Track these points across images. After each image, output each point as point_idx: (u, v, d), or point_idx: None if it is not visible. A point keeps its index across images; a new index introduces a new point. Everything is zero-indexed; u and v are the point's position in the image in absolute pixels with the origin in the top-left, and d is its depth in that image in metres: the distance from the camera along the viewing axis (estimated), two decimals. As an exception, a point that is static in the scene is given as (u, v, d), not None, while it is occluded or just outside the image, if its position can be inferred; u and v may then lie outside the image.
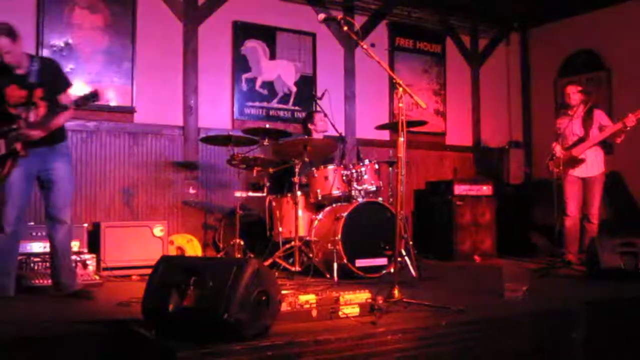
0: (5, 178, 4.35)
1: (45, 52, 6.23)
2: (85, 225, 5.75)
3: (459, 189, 7.38)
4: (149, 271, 3.21)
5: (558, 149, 6.31)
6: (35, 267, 5.11)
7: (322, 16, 4.37)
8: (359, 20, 8.06)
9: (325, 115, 6.53)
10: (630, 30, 8.13)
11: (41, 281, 4.87)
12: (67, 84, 4.60)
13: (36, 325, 3.43)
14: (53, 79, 4.50)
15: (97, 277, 5.24)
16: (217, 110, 7.19)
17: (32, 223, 5.43)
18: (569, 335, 3.76)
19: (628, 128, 6.10)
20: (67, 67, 6.32)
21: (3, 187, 4.40)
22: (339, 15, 4.27)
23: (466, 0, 8.44)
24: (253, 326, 2.81)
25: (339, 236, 5.30)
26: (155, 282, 3.12)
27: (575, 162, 6.37)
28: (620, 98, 8.14)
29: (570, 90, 6.45)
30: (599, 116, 6.44)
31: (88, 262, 5.28)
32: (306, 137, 6.27)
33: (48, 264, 5.02)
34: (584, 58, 8.74)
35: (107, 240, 5.76)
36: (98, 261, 5.52)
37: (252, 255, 5.90)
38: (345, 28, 4.18)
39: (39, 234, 5.30)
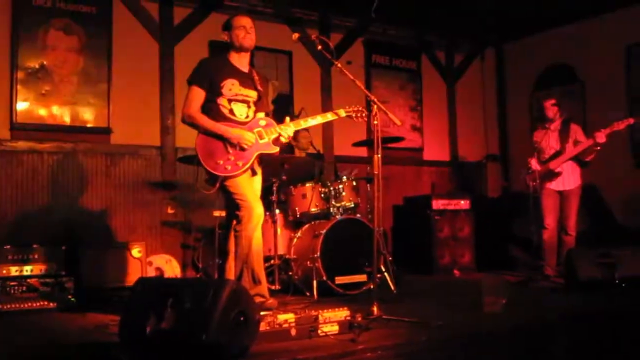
0: None
1: (20, 75, 6.19)
2: (63, 247, 5.67)
3: (437, 204, 7.40)
4: (127, 293, 3.18)
5: (534, 163, 6.38)
6: (11, 292, 5.03)
7: (296, 36, 4.36)
8: (335, 38, 8.12)
9: (307, 131, 6.53)
10: (601, 43, 8.26)
11: (16, 305, 4.81)
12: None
13: (11, 350, 3.39)
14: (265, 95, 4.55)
15: (75, 300, 5.17)
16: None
17: (8, 246, 5.35)
18: (548, 348, 3.78)
19: (599, 146, 6.14)
20: (43, 89, 6.30)
21: None
22: (314, 34, 4.29)
23: (441, 17, 8.52)
24: (232, 347, 2.80)
25: (318, 254, 5.29)
26: (133, 304, 3.11)
27: (552, 175, 6.44)
28: (593, 110, 8.26)
29: (548, 104, 6.54)
30: (575, 130, 6.52)
31: (66, 284, 5.22)
32: (284, 155, 6.26)
33: (24, 288, 4.98)
34: (558, 72, 8.85)
35: (85, 262, 5.68)
36: (76, 283, 5.44)
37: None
38: (320, 47, 4.19)
39: (15, 257, 5.22)
